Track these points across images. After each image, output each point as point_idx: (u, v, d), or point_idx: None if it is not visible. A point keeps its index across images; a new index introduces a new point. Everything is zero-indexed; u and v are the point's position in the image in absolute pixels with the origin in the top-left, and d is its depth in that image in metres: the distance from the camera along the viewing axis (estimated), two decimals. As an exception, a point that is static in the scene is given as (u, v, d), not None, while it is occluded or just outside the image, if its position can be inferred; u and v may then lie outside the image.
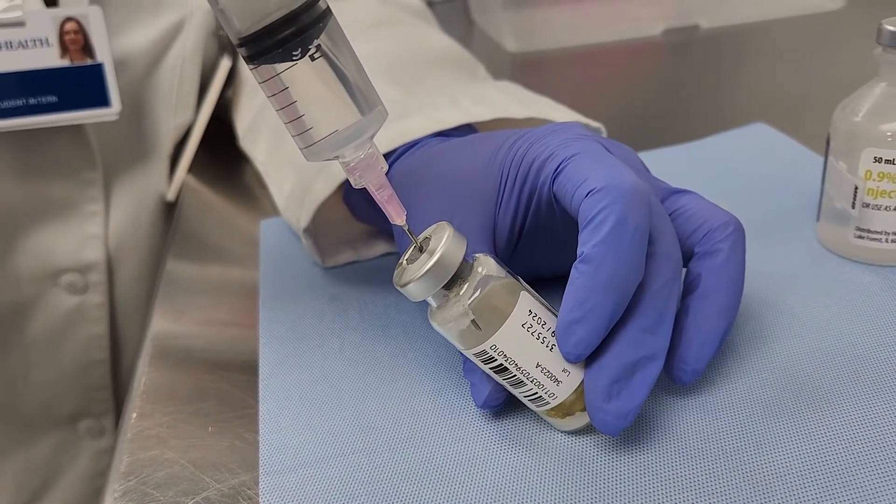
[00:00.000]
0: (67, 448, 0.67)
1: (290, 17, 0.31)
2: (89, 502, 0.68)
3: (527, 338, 0.34)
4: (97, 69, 0.57)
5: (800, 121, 0.65)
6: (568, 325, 0.33)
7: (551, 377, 0.34)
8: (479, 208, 0.38)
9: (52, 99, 0.57)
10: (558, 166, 0.36)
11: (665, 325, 0.34)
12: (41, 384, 0.65)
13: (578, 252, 0.33)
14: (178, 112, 0.64)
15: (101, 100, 0.58)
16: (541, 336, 0.34)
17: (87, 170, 0.61)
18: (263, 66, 0.32)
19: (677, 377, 0.36)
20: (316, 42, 0.31)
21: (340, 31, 0.32)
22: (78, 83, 0.57)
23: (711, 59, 0.87)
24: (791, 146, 0.60)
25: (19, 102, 0.56)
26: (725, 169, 0.58)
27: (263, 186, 0.59)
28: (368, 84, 0.33)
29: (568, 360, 0.33)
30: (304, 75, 0.32)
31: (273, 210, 0.56)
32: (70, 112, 0.57)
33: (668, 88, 0.82)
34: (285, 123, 0.33)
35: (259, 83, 0.32)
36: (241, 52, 0.32)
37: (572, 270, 0.33)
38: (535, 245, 0.40)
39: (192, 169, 0.64)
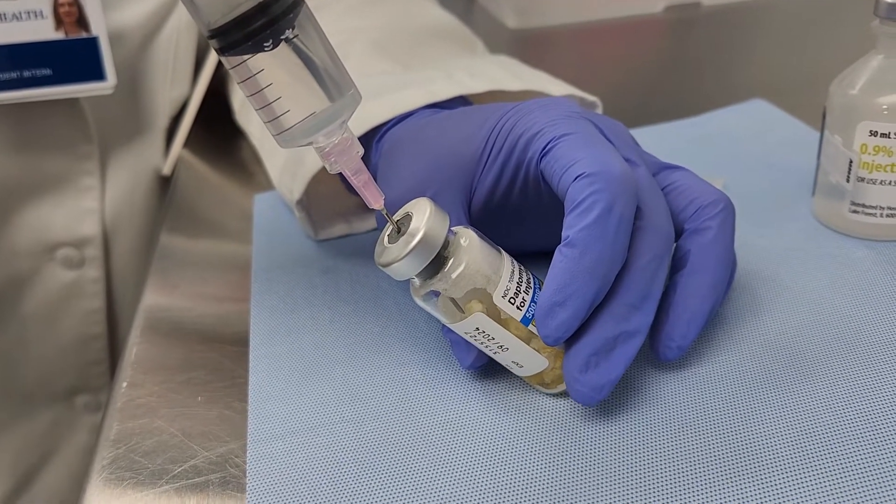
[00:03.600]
0: (65, 423, 0.67)
1: (261, 8, 0.30)
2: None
3: (478, 342, 0.35)
4: (92, 42, 0.57)
5: (801, 98, 0.64)
6: (550, 308, 0.33)
7: (507, 363, 0.35)
8: (458, 171, 0.38)
9: (47, 72, 0.56)
10: (546, 145, 0.35)
11: (651, 301, 0.34)
12: (38, 359, 0.65)
13: (564, 236, 0.33)
14: (174, 86, 0.64)
15: (97, 73, 0.57)
16: (486, 343, 0.34)
17: (83, 143, 0.61)
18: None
19: (662, 353, 0.36)
20: (287, 32, 0.31)
21: (311, 16, 0.32)
22: (73, 56, 0.56)
23: (712, 37, 0.86)
24: (789, 122, 0.59)
25: (13, 75, 0.55)
26: (723, 144, 0.57)
27: (259, 161, 0.59)
28: (340, 68, 0.32)
29: (547, 343, 0.33)
30: (272, 63, 0.31)
31: (268, 184, 0.56)
32: (65, 85, 0.57)
33: (669, 65, 0.82)
34: (256, 110, 0.32)
35: (228, 69, 0.32)
36: (212, 44, 0.31)
37: (556, 253, 0.33)
38: (523, 220, 0.40)
39: (188, 143, 0.64)
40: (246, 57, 0.31)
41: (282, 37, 0.31)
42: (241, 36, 0.30)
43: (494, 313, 0.34)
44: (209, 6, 0.30)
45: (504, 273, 0.34)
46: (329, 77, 0.32)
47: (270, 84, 0.31)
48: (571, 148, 0.35)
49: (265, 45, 0.31)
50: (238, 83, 0.32)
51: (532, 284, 0.35)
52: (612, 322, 0.33)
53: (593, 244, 0.32)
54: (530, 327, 0.34)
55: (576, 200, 0.33)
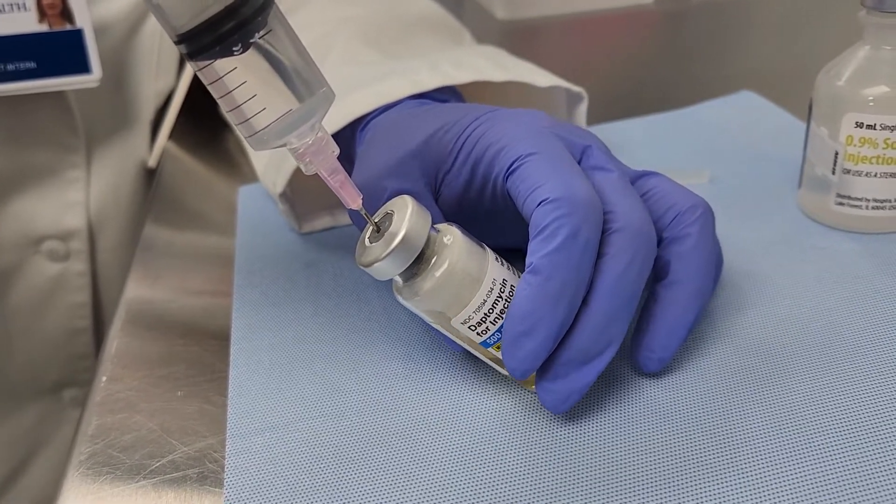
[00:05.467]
0: (52, 417, 0.67)
1: (230, 11, 0.29)
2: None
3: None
4: (77, 35, 0.56)
5: (790, 89, 0.64)
6: (515, 337, 0.32)
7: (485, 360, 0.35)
8: (425, 163, 0.38)
9: (31, 65, 0.56)
10: (512, 164, 0.35)
11: (629, 309, 0.33)
12: (24, 353, 0.64)
13: (528, 262, 0.32)
14: (159, 78, 0.64)
15: (82, 66, 0.57)
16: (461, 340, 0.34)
17: (69, 136, 0.60)
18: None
19: (643, 365, 0.36)
20: (257, 36, 0.30)
21: (280, 16, 0.31)
22: (57, 49, 0.56)
23: (703, 28, 0.86)
24: (777, 114, 0.59)
25: (-3, 69, 0.55)
26: (711, 136, 0.57)
27: (244, 153, 0.58)
28: (311, 67, 0.32)
29: (514, 377, 0.33)
30: (241, 65, 0.30)
31: (253, 176, 0.56)
32: (50, 79, 0.56)
33: (658, 57, 0.81)
34: (226, 112, 0.32)
35: (195, 72, 0.31)
36: (180, 49, 0.30)
37: (520, 281, 0.33)
38: (499, 220, 0.39)
39: (174, 135, 0.64)
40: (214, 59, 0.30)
41: (251, 40, 0.30)
42: (209, 40, 0.30)
43: (454, 331, 0.34)
44: (176, 10, 0.29)
45: (476, 299, 0.33)
46: (299, 77, 0.31)
47: (240, 86, 0.31)
48: (536, 169, 0.34)
49: (234, 49, 0.30)
50: (207, 85, 0.31)
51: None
52: (587, 333, 0.33)
53: (558, 270, 0.32)
54: (491, 349, 0.34)
55: (540, 226, 0.32)
